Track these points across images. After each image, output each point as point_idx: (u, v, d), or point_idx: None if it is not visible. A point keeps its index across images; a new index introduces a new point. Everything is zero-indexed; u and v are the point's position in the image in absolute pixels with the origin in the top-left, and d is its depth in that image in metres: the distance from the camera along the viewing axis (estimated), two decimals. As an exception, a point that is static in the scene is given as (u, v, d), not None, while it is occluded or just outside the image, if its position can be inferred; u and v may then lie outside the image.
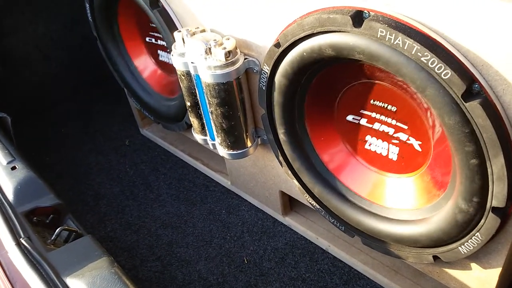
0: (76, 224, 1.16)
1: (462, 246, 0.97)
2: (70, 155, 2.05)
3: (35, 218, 1.13)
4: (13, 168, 1.23)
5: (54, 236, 1.07)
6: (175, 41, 1.27)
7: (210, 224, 1.61)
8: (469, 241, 0.95)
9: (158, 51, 1.76)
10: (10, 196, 1.15)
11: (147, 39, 1.76)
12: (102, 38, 1.78)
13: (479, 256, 1.01)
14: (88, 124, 2.25)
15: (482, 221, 0.89)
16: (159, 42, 1.72)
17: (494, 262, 1.00)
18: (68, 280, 0.91)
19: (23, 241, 1.00)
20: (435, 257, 1.04)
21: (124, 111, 2.20)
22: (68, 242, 1.07)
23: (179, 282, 1.42)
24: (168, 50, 1.64)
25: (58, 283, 0.91)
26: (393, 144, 1.09)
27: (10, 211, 1.10)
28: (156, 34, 1.70)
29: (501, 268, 0.99)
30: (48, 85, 2.32)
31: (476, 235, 0.92)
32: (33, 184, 1.20)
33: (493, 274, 1.02)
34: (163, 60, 1.77)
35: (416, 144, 1.04)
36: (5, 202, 1.13)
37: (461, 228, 0.93)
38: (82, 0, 1.71)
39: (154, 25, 1.47)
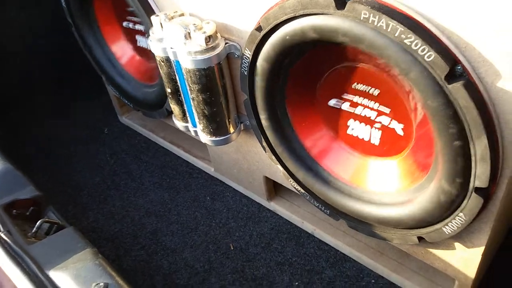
0: (58, 215, 1.14)
1: (446, 227, 0.98)
2: (49, 145, 2.01)
3: (14, 211, 1.10)
4: (-11, 160, 1.20)
5: (35, 229, 1.05)
6: (152, 26, 1.24)
7: (194, 211, 1.60)
8: (452, 221, 0.96)
9: (136, 36, 1.72)
10: (-13, 189, 1.12)
11: (124, 24, 1.72)
12: (77, 24, 1.73)
13: (462, 236, 1.02)
14: (65, 113, 2.20)
15: (465, 201, 0.90)
16: (137, 27, 1.67)
17: (477, 242, 1.01)
18: (52, 273, 0.90)
19: (2, 235, 0.98)
20: (420, 238, 1.06)
21: (102, 99, 2.15)
22: (50, 235, 1.05)
23: (165, 270, 1.41)
24: (146, 35, 1.61)
25: (42, 277, 0.89)
26: (376, 128, 1.09)
27: (-13, 205, 1.07)
28: (134, 19, 1.66)
29: (483, 247, 1.01)
30: (24, 75, 2.26)
31: (459, 215, 0.93)
32: (11, 176, 1.17)
33: (476, 253, 1.03)
34: (141, 45, 1.73)
35: (398, 127, 1.05)
36: (-18, 196, 1.10)
37: (445, 209, 0.94)
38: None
39: (131, 9, 1.42)
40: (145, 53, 1.74)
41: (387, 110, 1.04)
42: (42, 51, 2.24)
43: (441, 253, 1.11)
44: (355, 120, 1.13)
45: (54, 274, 0.90)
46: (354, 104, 1.10)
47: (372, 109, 1.07)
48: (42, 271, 0.90)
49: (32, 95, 2.30)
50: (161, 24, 1.20)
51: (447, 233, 0.99)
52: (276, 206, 1.54)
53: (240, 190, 1.65)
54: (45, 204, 1.16)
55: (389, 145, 1.10)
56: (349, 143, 1.18)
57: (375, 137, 1.11)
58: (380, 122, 1.07)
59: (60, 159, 1.92)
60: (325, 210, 1.26)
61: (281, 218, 1.53)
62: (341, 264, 1.36)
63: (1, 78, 2.17)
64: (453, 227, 0.96)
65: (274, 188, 1.55)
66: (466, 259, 1.06)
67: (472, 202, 0.89)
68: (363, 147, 1.15)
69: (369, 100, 1.06)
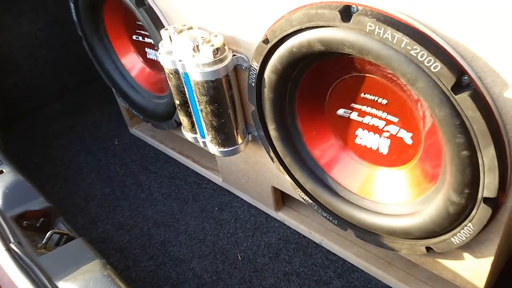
0: (67, 226, 1.15)
1: (455, 237, 0.97)
2: (59, 156, 2.03)
3: (25, 222, 1.11)
4: (0, 172, 1.21)
5: (45, 239, 1.05)
6: (161, 39, 1.26)
7: (203, 221, 1.61)
8: (461, 231, 0.95)
9: (146, 49, 1.74)
10: (-2, 201, 1.14)
11: (134, 37, 1.75)
12: (88, 37, 1.76)
13: (471, 246, 1.02)
14: (76, 124, 2.23)
15: (474, 211, 0.90)
16: (146, 40, 1.70)
17: (486, 252, 1.01)
18: (61, 284, 0.91)
19: (13, 246, 0.99)
20: (428, 248, 1.05)
21: (112, 110, 2.18)
22: (60, 246, 1.06)
23: (173, 281, 1.42)
24: (155, 48, 1.63)
25: (51, 288, 0.90)
26: (384, 137, 1.10)
27: (-1, 216, 1.08)
28: (143, 32, 1.69)
29: (493, 257, 1.01)
30: (34, 86, 2.29)
31: (468, 225, 0.93)
32: (22, 187, 1.18)
33: (485, 263, 1.03)
34: (150, 58, 1.75)
35: (406, 136, 1.05)
36: (-7, 207, 1.12)
37: (453, 219, 0.94)
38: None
39: (140, 23, 1.45)
40: (154, 65, 1.76)
41: (395, 119, 1.04)
42: (47, 61, 2.27)
43: (449, 263, 1.10)
44: (363, 130, 1.13)
45: (63, 285, 0.90)
46: (362, 114, 1.10)
47: (380, 118, 1.07)
48: (51, 281, 0.91)
49: (42, 105, 2.34)
50: (170, 37, 1.22)
51: (455, 243, 0.98)
52: (284, 216, 1.54)
53: (248, 200, 1.65)
54: (55, 215, 1.17)
55: (398, 154, 1.10)
56: (358, 153, 1.18)
57: (384, 146, 1.11)
58: (388, 131, 1.08)
59: (70, 170, 1.94)
60: (333, 220, 1.26)
61: (289, 228, 1.53)
62: (349, 275, 1.36)
63: (10, 87, 2.20)
64: (462, 237, 0.96)
65: (282, 198, 1.56)
66: (475, 269, 1.05)
67: (481, 212, 0.89)
68: (371, 156, 1.15)
69: (377, 109, 1.07)
